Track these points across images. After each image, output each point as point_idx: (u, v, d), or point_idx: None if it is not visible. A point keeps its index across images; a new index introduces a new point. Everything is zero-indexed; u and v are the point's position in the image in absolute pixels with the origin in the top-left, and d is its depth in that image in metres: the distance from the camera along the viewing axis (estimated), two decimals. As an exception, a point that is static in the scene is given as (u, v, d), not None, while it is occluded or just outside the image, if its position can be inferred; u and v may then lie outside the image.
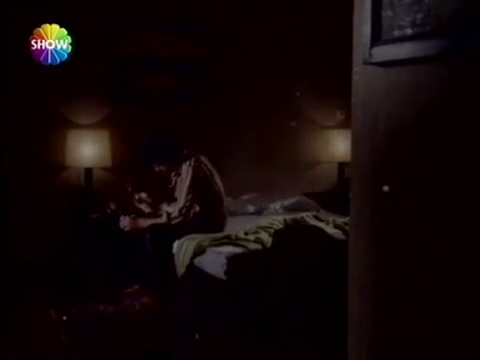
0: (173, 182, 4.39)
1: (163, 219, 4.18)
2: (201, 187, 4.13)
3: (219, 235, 4.01)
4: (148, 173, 4.38)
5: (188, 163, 4.16)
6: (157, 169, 4.30)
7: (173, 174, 4.36)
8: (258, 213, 4.92)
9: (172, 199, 4.37)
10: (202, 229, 4.07)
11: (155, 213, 4.36)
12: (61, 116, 4.70)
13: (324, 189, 5.48)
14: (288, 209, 4.98)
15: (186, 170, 4.15)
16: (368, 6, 1.25)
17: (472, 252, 1.09)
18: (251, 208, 4.98)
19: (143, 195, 4.42)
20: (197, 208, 4.13)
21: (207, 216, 4.18)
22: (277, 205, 5.04)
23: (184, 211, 4.10)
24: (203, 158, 4.25)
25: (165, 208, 4.33)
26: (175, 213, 4.12)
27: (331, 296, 2.89)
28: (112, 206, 4.56)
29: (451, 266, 1.14)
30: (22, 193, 4.61)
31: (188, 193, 4.10)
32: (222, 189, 4.29)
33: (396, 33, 1.19)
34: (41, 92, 4.62)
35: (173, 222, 4.11)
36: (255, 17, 5.19)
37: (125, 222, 4.21)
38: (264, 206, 5.03)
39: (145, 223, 4.19)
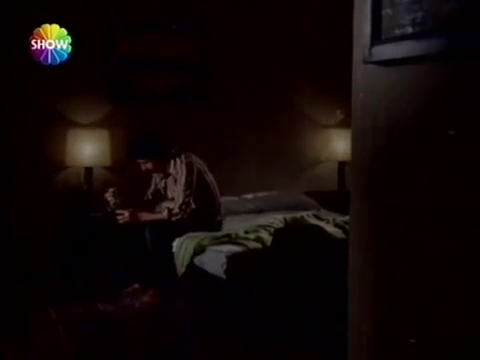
0: (162, 183, 4.45)
1: (164, 215, 4.19)
2: (197, 182, 4.18)
3: (219, 234, 4.02)
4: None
5: (179, 161, 4.21)
6: (143, 168, 4.33)
7: (158, 174, 4.43)
8: (258, 212, 4.92)
9: (165, 198, 4.42)
10: (199, 224, 4.10)
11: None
12: (61, 115, 4.70)
13: (324, 188, 5.48)
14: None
15: (179, 168, 4.20)
16: (368, 5, 1.25)
17: (474, 252, 1.09)
18: (251, 207, 4.98)
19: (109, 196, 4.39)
20: (193, 206, 4.14)
21: (203, 210, 4.20)
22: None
23: (184, 207, 4.13)
24: (193, 155, 4.30)
25: (165, 205, 4.35)
26: (175, 209, 4.14)
27: (331, 295, 2.89)
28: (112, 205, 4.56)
29: (452, 266, 1.14)
30: (22, 192, 4.61)
31: (186, 189, 4.14)
32: (214, 183, 4.36)
33: (396, 32, 1.19)
34: (41, 92, 4.61)
35: (173, 218, 4.12)
36: (255, 17, 5.19)
37: (124, 215, 4.21)
38: (264, 205, 5.02)
39: (145, 217, 4.20)
